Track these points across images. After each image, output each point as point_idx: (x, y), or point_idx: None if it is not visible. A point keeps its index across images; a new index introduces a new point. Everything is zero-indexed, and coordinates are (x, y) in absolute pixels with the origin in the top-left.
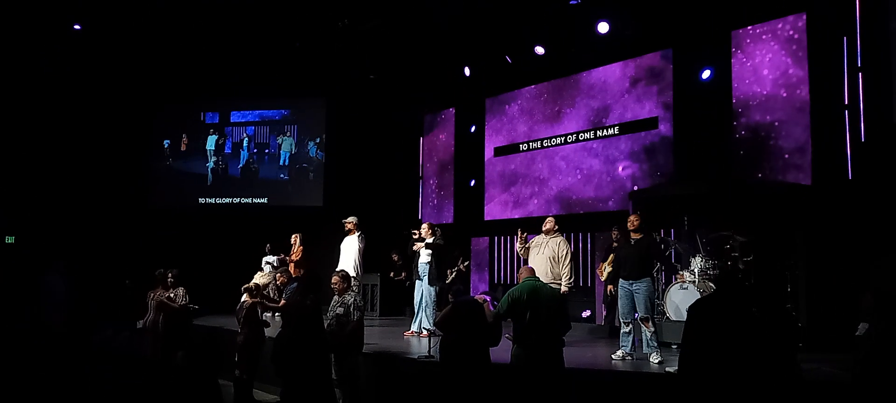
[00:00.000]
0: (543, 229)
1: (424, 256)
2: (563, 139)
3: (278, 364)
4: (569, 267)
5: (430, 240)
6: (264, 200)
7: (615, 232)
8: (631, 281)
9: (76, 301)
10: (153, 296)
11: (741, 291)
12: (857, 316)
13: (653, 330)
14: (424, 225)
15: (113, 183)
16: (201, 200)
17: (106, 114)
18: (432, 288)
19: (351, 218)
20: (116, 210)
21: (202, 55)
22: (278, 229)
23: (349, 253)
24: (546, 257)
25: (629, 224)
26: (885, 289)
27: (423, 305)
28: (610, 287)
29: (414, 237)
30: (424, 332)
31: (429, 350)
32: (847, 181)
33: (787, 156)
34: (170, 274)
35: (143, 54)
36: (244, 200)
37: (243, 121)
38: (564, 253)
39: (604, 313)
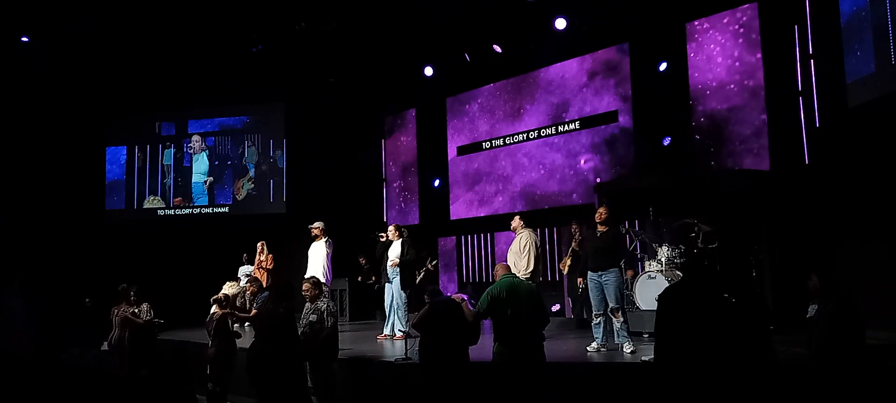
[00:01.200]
0: (511, 228)
1: (392, 259)
2: (524, 136)
3: (253, 374)
4: (526, 258)
5: (403, 259)
6: (225, 209)
7: (575, 227)
8: (599, 273)
9: (38, 321)
10: (117, 313)
11: (708, 275)
12: (808, 299)
13: (622, 320)
14: (391, 227)
15: (66, 197)
16: (160, 212)
17: (54, 128)
18: (404, 290)
19: (317, 224)
20: (71, 225)
21: (155, 63)
22: (242, 237)
23: (317, 259)
24: (513, 252)
25: (597, 216)
26: (827, 270)
27: (395, 307)
28: (579, 280)
29: (380, 239)
30: (399, 334)
31: (405, 353)
32: (804, 166)
33: (744, 142)
34: (132, 291)
35: (94, 63)
36: (205, 210)
37: (202, 131)
38: (523, 244)
39: (571, 306)
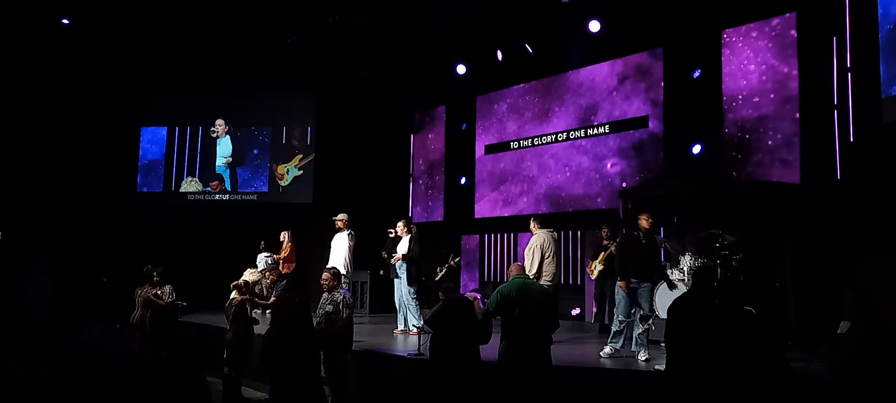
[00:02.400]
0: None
1: (398, 254)
2: (553, 137)
3: (267, 361)
4: (529, 259)
5: (407, 256)
6: (254, 197)
7: (606, 231)
8: (637, 280)
9: (63, 298)
10: (140, 293)
11: (716, 285)
12: (841, 315)
13: (645, 328)
14: (400, 223)
15: (97, 177)
16: (190, 196)
17: (90, 107)
18: (410, 286)
19: (341, 216)
20: (101, 206)
21: (189, 50)
22: (268, 225)
23: (340, 251)
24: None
25: (645, 222)
26: (864, 290)
27: (406, 302)
28: (622, 283)
29: (390, 235)
30: (413, 329)
31: (418, 348)
32: (836, 181)
33: (773, 152)
34: (156, 273)
35: (129, 50)
36: (233, 196)
37: (232, 116)
38: (529, 245)
39: (594, 310)
